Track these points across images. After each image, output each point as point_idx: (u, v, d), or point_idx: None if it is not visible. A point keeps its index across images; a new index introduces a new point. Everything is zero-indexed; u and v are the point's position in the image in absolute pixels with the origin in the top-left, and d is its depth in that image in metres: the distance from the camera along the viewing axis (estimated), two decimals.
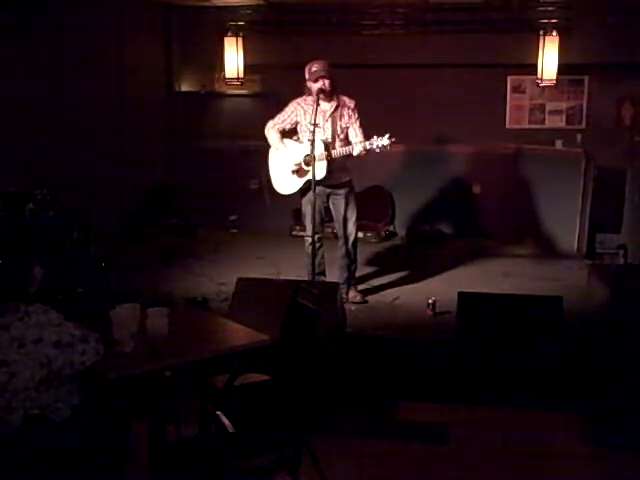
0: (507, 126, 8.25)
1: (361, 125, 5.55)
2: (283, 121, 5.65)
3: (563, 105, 8.13)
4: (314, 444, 3.48)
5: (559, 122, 8.16)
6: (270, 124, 5.68)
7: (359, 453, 4.06)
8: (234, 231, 8.27)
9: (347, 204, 5.66)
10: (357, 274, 6.03)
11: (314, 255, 5.44)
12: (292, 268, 6.30)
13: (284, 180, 5.69)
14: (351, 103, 5.57)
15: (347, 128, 5.55)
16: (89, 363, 2.88)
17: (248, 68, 8.39)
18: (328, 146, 5.42)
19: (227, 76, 8.40)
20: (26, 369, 2.75)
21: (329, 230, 6.39)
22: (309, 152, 5.28)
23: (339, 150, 5.44)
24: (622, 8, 7.36)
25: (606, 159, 7.60)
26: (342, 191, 5.65)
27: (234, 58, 8.32)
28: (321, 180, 5.37)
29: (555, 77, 7.71)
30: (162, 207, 8.39)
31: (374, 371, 4.78)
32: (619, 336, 4.52)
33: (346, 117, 5.54)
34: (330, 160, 5.39)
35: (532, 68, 7.79)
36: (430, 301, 5.51)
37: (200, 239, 8.02)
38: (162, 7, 8.43)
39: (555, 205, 7.57)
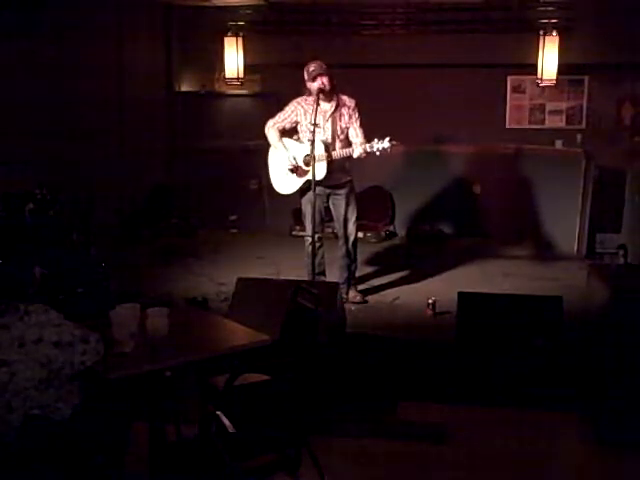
0: (507, 126, 8.25)
1: (361, 125, 5.55)
2: (283, 120, 5.65)
3: (563, 105, 8.13)
4: (314, 444, 3.48)
5: (559, 122, 8.17)
6: (270, 123, 5.69)
7: (359, 453, 4.06)
8: (234, 231, 8.27)
9: (347, 204, 5.66)
10: (357, 274, 6.03)
11: (314, 255, 5.44)
12: (292, 268, 6.30)
13: (284, 180, 5.69)
14: (351, 103, 5.57)
15: (347, 128, 5.55)
16: (89, 363, 2.88)
17: (248, 68, 8.40)
18: (328, 146, 5.42)
19: (227, 76, 8.40)
20: (26, 369, 2.75)
21: (329, 230, 6.39)
22: (309, 152, 5.28)
23: (339, 152, 5.44)
24: (622, 8, 7.37)
25: (606, 159, 7.61)
26: (342, 191, 5.65)
27: (234, 58, 8.32)
28: (321, 180, 5.37)
29: (555, 77, 7.71)
30: (162, 207, 8.39)
31: (374, 371, 4.78)
32: (619, 336, 4.52)
33: (346, 117, 5.54)
34: (330, 161, 5.39)
35: (532, 68, 7.79)
36: (430, 301, 5.51)
37: (200, 239, 8.01)
38: (162, 7, 8.43)
39: (555, 205, 7.57)
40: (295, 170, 5.58)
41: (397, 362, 4.87)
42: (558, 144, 8.07)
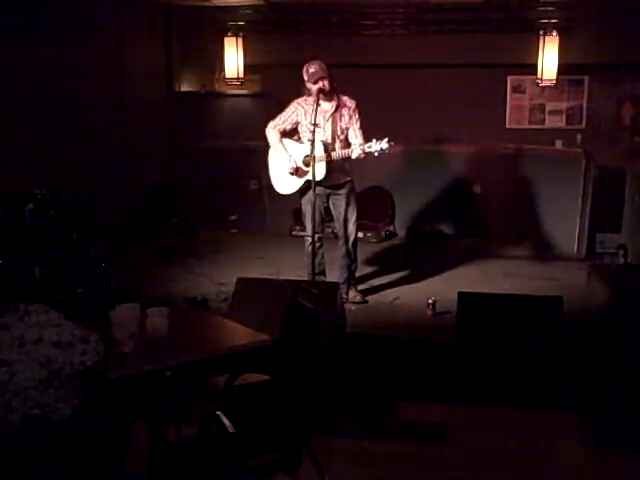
0: (507, 126, 8.25)
1: (361, 126, 5.55)
2: (284, 121, 5.65)
3: (563, 105, 8.14)
4: (314, 444, 3.48)
5: (559, 122, 8.17)
6: (271, 124, 5.69)
7: (359, 453, 4.06)
8: (234, 231, 8.28)
9: (347, 204, 5.66)
10: (357, 274, 6.03)
11: (314, 255, 5.44)
12: (292, 268, 6.30)
13: (284, 180, 5.69)
14: (352, 103, 5.57)
15: (347, 129, 5.55)
16: (89, 363, 2.88)
17: (248, 68, 8.40)
18: (328, 147, 5.43)
19: (227, 76, 8.40)
20: (26, 369, 2.75)
21: (329, 230, 6.39)
22: (309, 152, 5.28)
23: (338, 152, 5.44)
24: (622, 8, 7.36)
25: (606, 159, 7.61)
26: (342, 191, 5.65)
27: (234, 58, 8.32)
28: (321, 180, 5.37)
29: (555, 77, 7.72)
30: (162, 207, 8.39)
31: (374, 371, 4.78)
32: (619, 336, 4.52)
33: (346, 117, 5.54)
34: (329, 161, 5.39)
35: (532, 68, 7.79)
36: (430, 301, 5.51)
37: (200, 239, 8.02)
38: (162, 7, 8.43)
39: (555, 205, 7.57)
40: (295, 172, 5.58)
41: (397, 362, 4.87)
42: (558, 144, 8.07)
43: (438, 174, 8.08)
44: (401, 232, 8.21)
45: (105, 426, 3.05)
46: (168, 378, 3.18)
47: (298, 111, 5.60)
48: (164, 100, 8.68)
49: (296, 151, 5.59)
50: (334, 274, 5.85)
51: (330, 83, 5.42)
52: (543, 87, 7.99)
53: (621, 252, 6.50)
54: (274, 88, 7.91)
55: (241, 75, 8.37)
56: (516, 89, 8.22)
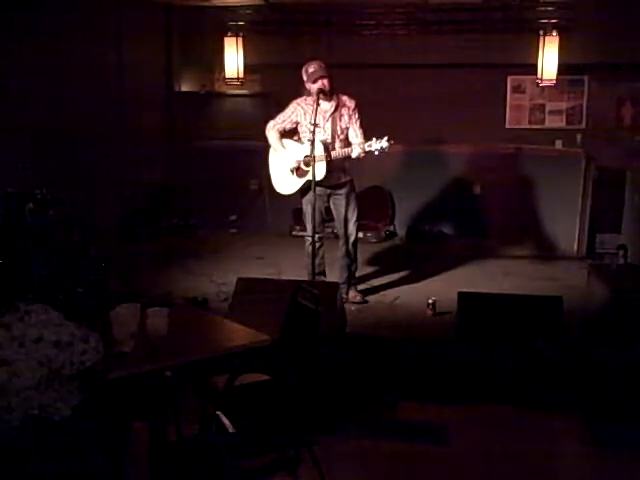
0: (507, 126, 8.24)
1: (361, 125, 5.55)
2: (283, 121, 5.65)
3: (563, 105, 8.13)
4: (314, 444, 3.48)
5: (559, 122, 8.16)
6: (271, 124, 5.69)
7: (359, 453, 4.06)
8: (234, 231, 8.28)
9: (348, 204, 5.66)
10: (357, 274, 6.03)
11: (314, 255, 5.44)
12: (292, 268, 6.30)
13: (284, 180, 5.69)
14: (351, 103, 5.57)
15: (347, 129, 5.55)
16: (89, 363, 2.88)
17: (248, 68, 8.39)
18: (328, 147, 5.43)
19: (227, 76, 8.39)
20: (26, 368, 2.75)
21: (329, 230, 6.39)
22: (309, 152, 5.28)
23: (338, 152, 5.44)
24: (622, 8, 7.36)
25: (606, 159, 7.60)
26: (343, 191, 5.65)
27: (234, 58, 8.32)
28: (321, 180, 5.37)
29: (555, 77, 7.71)
30: (162, 207, 8.39)
31: (374, 371, 4.78)
32: (619, 336, 4.52)
33: (346, 117, 5.54)
34: (329, 161, 5.39)
35: (532, 68, 7.79)
36: (430, 301, 5.51)
37: (200, 239, 8.02)
38: (162, 7, 8.43)
39: (555, 205, 7.58)
40: (297, 169, 5.58)
41: (397, 362, 4.86)
42: (558, 144, 8.07)
43: (438, 174, 8.08)
44: (401, 232, 8.21)
45: (105, 426, 3.04)
46: (168, 378, 3.18)
47: (298, 111, 5.60)
48: (164, 100, 8.68)
49: (296, 151, 5.59)
50: (334, 274, 5.85)
51: (330, 83, 5.42)
52: (543, 87, 7.98)
53: (621, 252, 6.49)
54: (274, 88, 7.91)
55: (241, 75, 8.37)
56: (516, 89, 8.22)
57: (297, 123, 5.62)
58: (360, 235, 6.18)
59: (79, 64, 6.90)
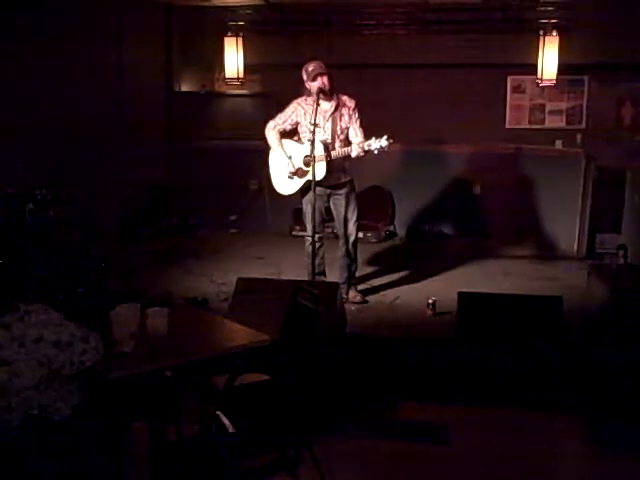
0: (507, 126, 8.24)
1: (361, 125, 5.55)
2: (284, 122, 5.65)
3: (563, 105, 8.13)
4: (314, 444, 3.48)
5: (559, 122, 8.16)
6: (271, 125, 5.69)
7: (359, 453, 4.06)
8: (234, 231, 8.28)
9: (348, 204, 5.66)
10: (357, 274, 6.03)
11: (314, 255, 5.44)
12: (292, 268, 6.30)
13: (284, 180, 5.69)
14: (351, 103, 5.57)
15: (347, 128, 5.55)
16: (89, 363, 2.88)
17: (248, 68, 8.39)
18: (328, 146, 5.43)
19: (227, 76, 8.39)
20: (26, 369, 2.75)
21: (329, 230, 6.39)
22: (309, 152, 5.28)
23: (338, 151, 5.44)
24: (622, 8, 7.36)
25: (606, 159, 7.60)
26: (342, 191, 5.65)
27: (234, 58, 8.31)
28: (321, 180, 5.37)
29: (555, 77, 7.71)
30: (162, 207, 8.39)
31: (374, 371, 4.78)
32: (619, 336, 4.52)
33: (346, 117, 5.54)
34: (329, 161, 5.39)
35: (532, 68, 7.79)
36: (430, 301, 5.51)
37: (200, 239, 8.02)
38: (162, 7, 8.43)
39: (555, 205, 7.58)
40: (294, 174, 5.58)
41: (397, 362, 4.86)
42: (558, 144, 8.07)
43: (438, 174, 8.08)
44: (401, 232, 8.21)
45: (105, 426, 3.04)
46: (168, 378, 3.18)
47: (298, 111, 5.60)
48: (164, 100, 8.68)
49: (296, 151, 5.59)
50: (334, 274, 5.85)
51: (329, 82, 5.42)
52: (543, 87, 7.98)
53: (621, 252, 6.49)
54: (274, 88, 7.91)
55: (241, 75, 8.37)
56: (516, 89, 8.21)
57: (297, 123, 5.62)
58: (360, 235, 6.18)
59: (80, 64, 6.91)
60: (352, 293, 5.81)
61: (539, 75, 7.77)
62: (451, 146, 8.05)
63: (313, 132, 5.19)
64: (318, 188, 5.30)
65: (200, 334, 3.56)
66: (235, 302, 5.08)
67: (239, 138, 8.16)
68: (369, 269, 6.71)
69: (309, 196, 5.40)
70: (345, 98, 5.58)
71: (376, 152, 5.25)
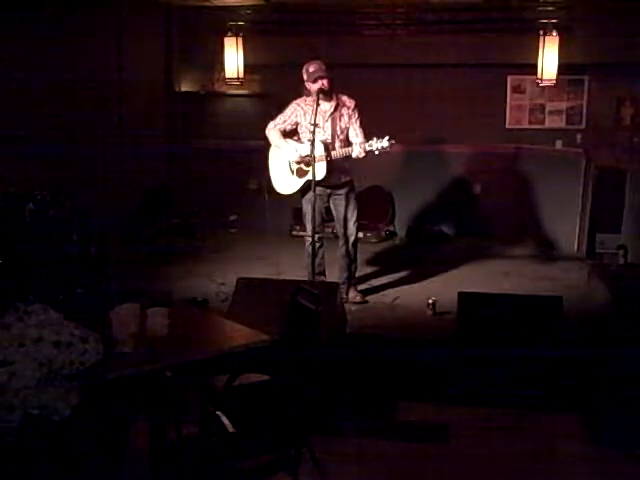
0: (507, 126, 8.25)
1: (361, 125, 5.55)
2: (284, 122, 5.65)
3: (563, 105, 8.13)
4: (314, 444, 3.48)
5: (559, 122, 8.16)
6: (271, 125, 5.69)
7: (359, 453, 4.06)
8: (234, 231, 8.28)
9: (348, 204, 5.66)
10: (357, 274, 6.03)
11: (314, 255, 5.45)
12: (292, 268, 6.30)
13: (284, 180, 5.70)
14: (351, 103, 5.57)
15: (347, 129, 5.55)
16: (89, 363, 2.87)
17: (248, 68, 8.39)
18: (328, 146, 5.43)
19: (227, 76, 8.39)
20: (26, 369, 2.74)
21: (329, 230, 6.39)
22: (309, 152, 5.28)
23: (338, 151, 5.44)
24: (622, 8, 7.36)
25: (606, 159, 7.60)
26: (342, 191, 5.65)
27: (234, 58, 8.31)
28: (321, 180, 5.37)
29: (555, 77, 7.70)
30: (162, 207, 8.38)
31: (374, 371, 4.78)
32: (619, 336, 4.52)
33: (346, 117, 5.54)
34: (329, 161, 5.39)
35: (532, 68, 7.78)
36: (430, 301, 5.51)
37: (200, 239, 8.02)
38: (162, 7, 8.42)
39: (555, 205, 7.58)
40: (298, 170, 5.57)
41: (397, 362, 4.86)
42: (558, 144, 8.07)
43: (438, 174, 8.09)
44: (401, 232, 8.22)
45: (105, 426, 3.04)
46: (168, 378, 3.18)
47: (297, 111, 5.60)
48: (164, 100, 8.68)
49: (298, 149, 5.58)
50: (334, 274, 5.85)
51: (329, 83, 5.42)
52: (543, 87, 7.97)
53: (621, 252, 6.50)
54: (274, 88, 7.91)
55: (241, 75, 8.36)
56: (516, 89, 8.22)
57: (297, 124, 5.63)
58: (360, 235, 6.18)
59: (79, 64, 6.90)
60: (352, 293, 5.81)
61: (539, 75, 7.76)
62: (451, 146, 8.06)
63: (313, 132, 5.19)
64: (318, 188, 5.30)
65: (200, 334, 3.56)
66: (235, 302, 5.08)
67: (239, 138, 8.16)
68: (369, 269, 6.71)
69: (309, 196, 5.40)
70: (345, 98, 5.58)
71: (377, 152, 5.26)
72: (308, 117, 5.46)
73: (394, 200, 8.28)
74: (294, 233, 7.91)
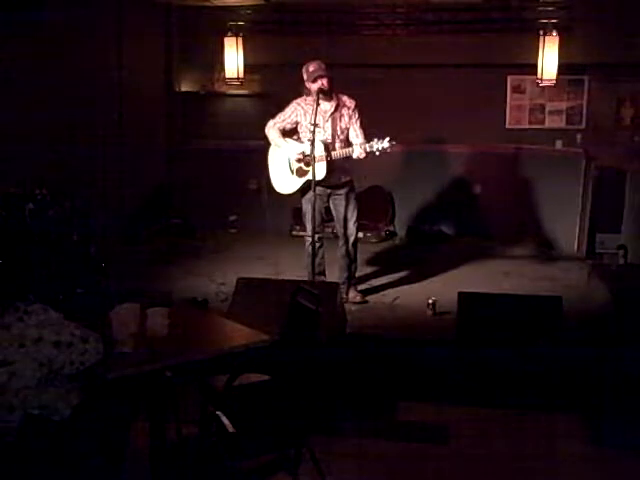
0: (507, 126, 8.24)
1: (362, 125, 5.55)
2: (283, 120, 5.66)
3: (563, 105, 8.13)
4: (314, 444, 3.48)
5: (559, 122, 8.16)
6: (270, 123, 5.69)
7: (359, 453, 4.06)
8: (234, 231, 8.28)
9: (347, 204, 5.67)
10: (357, 274, 6.03)
11: (314, 255, 5.45)
12: (292, 268, 6.30)
13: (284, 180, 5.70)
14: (351, 103, 5.57)
15: (347, 129, 5.55)
16: (89, 363, 2.88)
17: (248, 68, 8.39)
18: (328, 146, 5.43)
19: (227, 76, 8.39)
20: (26, 369, 2.75)
21: (329, 230, 6.39)
22: (309, 152, 5.28)
23: (339, 152, 5.44)
24: (622, 8, 7.36)
25: (606, 159, 7.60)
26: (342, 191, 5.65)
27: (234, 58, 8.31)
28: (321, 180, 5.37)
29: (555, 77, 7.70)
30: (162, 207, 8.39)
31: (374, 371, 4.78)
32: (619, 336, 4.51)
33: (346, 117, 5.54)
34: (329, 161, 5.39)
35: (532, 68, 7.78)
36: (430, 301, 5.51)
37: (200, 239, 8.02)
38: (162, 7, 8.42)
39: (555, 205, 7.58)
40: (298, 169, 5.57)
41: (397, 362, 4.86)
42: (558, 144, 8.07)
43: (438, 174, 8.09)
44: (401, 232, 8.21)
45: (105, 426, 3.04)
46: (168, 378, 3.18)
47: (297, 111, 5.60)
48: (164, 100, 8.68)
49: (298, 149, 5.58)
50: (334, 274, 5.85)
51: (329, 83, 5.42)
52: (543, 87, 7.97)
53: (621, 252, 6.49)
54: (274, 88, 7.91)
55: (241, 75, 8.36)
56: (516, 89, 8.21)
57: (297, 123, 5.63)
58: (360, 235, 6.18)
59: (79, 64, 6.90)
60: (352, 293, 5.81)
61: (539, 75, 7.76)
62: (451, 146, 8.06)
63: (313, 132, 5.20)
64: (318, 188, 5.31)
65: (200, 334, 3.56)
66: (235, 302, 5.08)
67: (239, 138, 8.16)
68: (369, 269, 6.71)
69: (309, 196, 5.40)
70: (345, 98, 5.58)
71: (377, 153, 5.26)
72: (308, 117, 5.46)
73: (394, 200, 8.28)
74: (294, 233, 7.91)
